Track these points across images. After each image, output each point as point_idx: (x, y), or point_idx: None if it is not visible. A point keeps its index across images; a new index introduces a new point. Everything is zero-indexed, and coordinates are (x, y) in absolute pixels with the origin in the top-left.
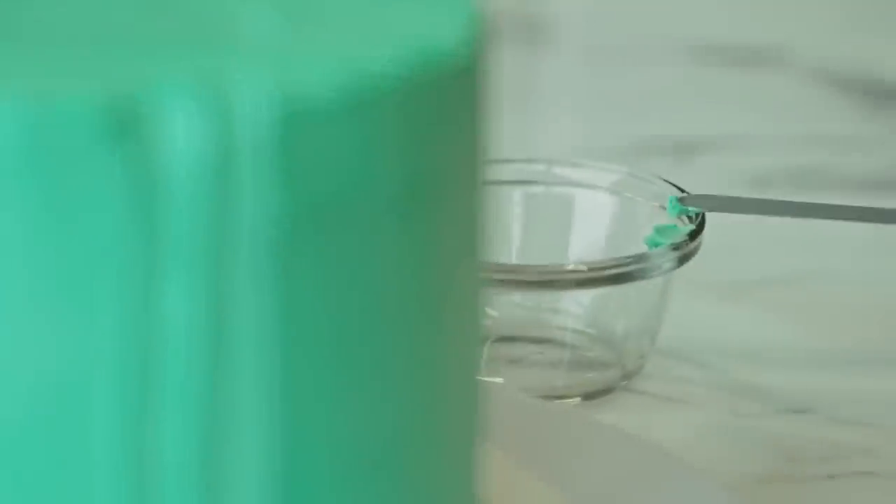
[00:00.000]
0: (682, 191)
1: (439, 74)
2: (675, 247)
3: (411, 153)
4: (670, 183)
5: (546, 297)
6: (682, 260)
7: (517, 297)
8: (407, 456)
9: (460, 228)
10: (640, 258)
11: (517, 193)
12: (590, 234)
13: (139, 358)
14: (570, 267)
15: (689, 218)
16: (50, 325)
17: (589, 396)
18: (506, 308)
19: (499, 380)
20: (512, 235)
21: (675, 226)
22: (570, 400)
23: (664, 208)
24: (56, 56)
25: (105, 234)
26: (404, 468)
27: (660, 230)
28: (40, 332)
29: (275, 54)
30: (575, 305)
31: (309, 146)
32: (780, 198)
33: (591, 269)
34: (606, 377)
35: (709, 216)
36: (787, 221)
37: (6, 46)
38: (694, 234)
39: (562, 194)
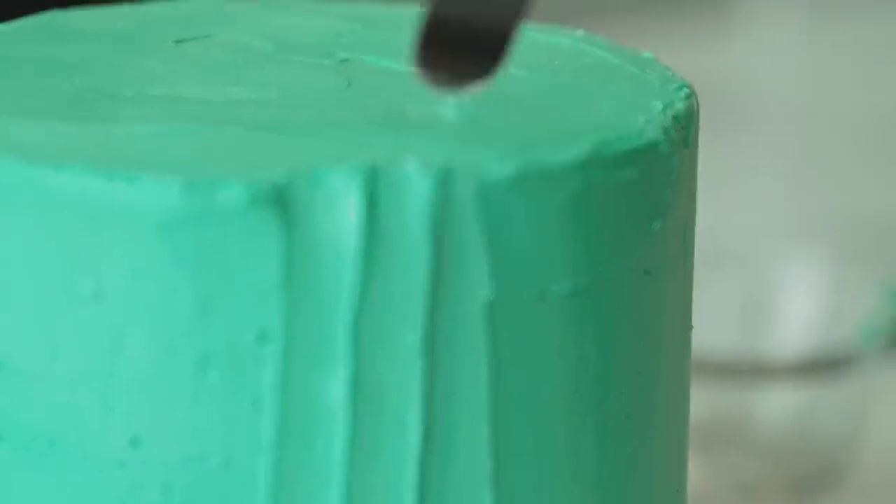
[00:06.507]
0: None
1: (624, 160)
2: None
3: (598, 238)
4: None
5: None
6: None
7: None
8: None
9: (661, 315)
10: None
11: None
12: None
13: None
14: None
15: None
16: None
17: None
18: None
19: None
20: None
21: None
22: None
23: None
24: (234, 136)
25: (268, 317)
26: None
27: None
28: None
29: (455, 135)
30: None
31: (482, 223)
32: None
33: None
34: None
35: None
36: None
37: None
38: None
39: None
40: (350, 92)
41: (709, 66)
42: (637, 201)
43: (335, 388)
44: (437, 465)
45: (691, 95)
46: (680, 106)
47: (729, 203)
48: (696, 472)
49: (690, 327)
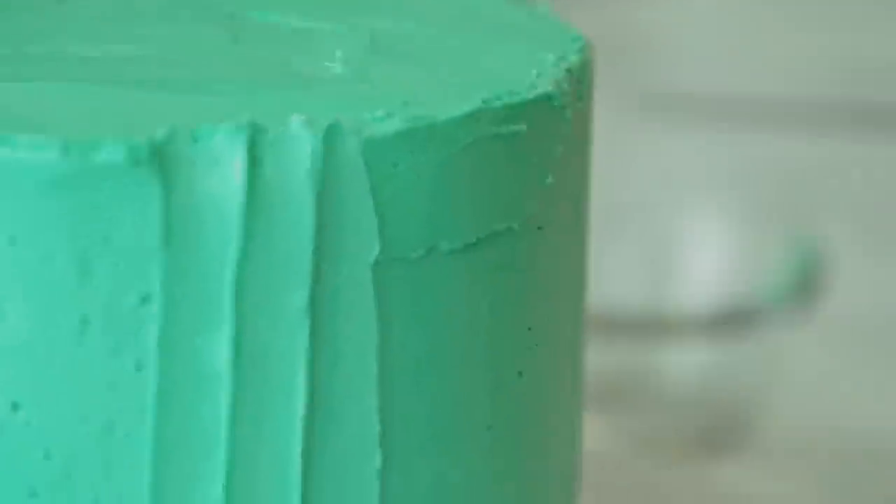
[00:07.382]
0: None
1: (514, 113)
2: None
3: (488, 193)
4: None
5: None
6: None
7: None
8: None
9: (554, 271)
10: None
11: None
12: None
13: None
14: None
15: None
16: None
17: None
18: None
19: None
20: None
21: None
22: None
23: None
24: (118, 94)
25: (150, 278)
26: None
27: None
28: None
29: (341, 92)
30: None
31: (359, 183)
32: None
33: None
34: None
35: None
36: None
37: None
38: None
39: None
40: (235, 48)
41: (620, 18)
42: (528, 156)
43: (219, 351)
44: (324, 427)
45: (586, 48)
46: (574, 58)
47: (634, 157)
48: (600, 429)
49: (585, 284)
